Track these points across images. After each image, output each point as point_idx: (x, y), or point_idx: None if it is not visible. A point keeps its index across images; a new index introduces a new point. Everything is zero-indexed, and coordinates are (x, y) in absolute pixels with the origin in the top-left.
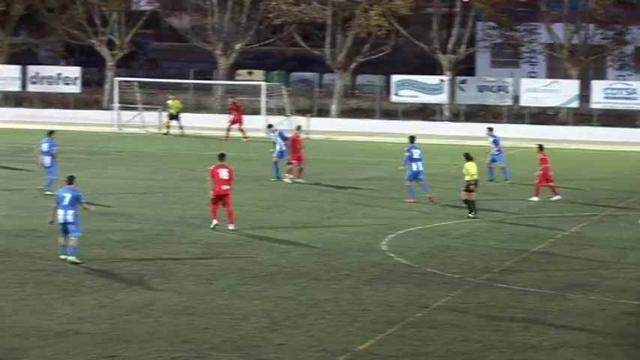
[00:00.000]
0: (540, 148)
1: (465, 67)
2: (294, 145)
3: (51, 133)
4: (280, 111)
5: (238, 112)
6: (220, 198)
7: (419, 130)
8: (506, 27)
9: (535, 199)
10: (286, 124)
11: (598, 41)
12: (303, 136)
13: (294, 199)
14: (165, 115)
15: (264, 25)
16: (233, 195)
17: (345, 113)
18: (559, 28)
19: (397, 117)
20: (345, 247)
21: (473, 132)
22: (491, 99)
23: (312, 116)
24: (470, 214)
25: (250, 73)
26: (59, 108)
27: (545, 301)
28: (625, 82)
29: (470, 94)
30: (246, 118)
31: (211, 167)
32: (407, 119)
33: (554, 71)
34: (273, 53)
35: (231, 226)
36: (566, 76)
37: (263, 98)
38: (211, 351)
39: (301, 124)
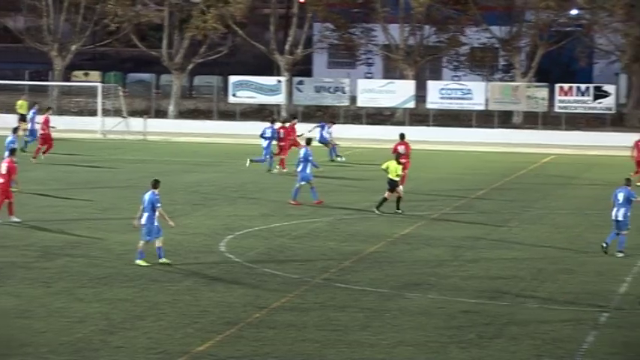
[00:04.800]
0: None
1: (303, 68)
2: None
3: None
4: (117, 112)
5: None
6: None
7: (257, 131)
8: (342, 28)
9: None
10: (123, 125)
11: (433, 42)
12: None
13: (131, 201)
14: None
15: (100, 26)
16: (68, 199)
17: (183, 114)
18: (395, 29)
19: (235, 118)
20: (184, 249)
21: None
22: (328, 99)
23: (149, 117)
24: (377, 211)
25: (86, 75)
26: None
27: (384, 301)
28: (460, 82)
29: (307, 95)
30: (82, 119)
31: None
32: (245, 120)
33: (391, 72)
34: (109, 54)
35: (14, 219)
36: (402, 77)
37: (99, 99)
38: (49, 354)
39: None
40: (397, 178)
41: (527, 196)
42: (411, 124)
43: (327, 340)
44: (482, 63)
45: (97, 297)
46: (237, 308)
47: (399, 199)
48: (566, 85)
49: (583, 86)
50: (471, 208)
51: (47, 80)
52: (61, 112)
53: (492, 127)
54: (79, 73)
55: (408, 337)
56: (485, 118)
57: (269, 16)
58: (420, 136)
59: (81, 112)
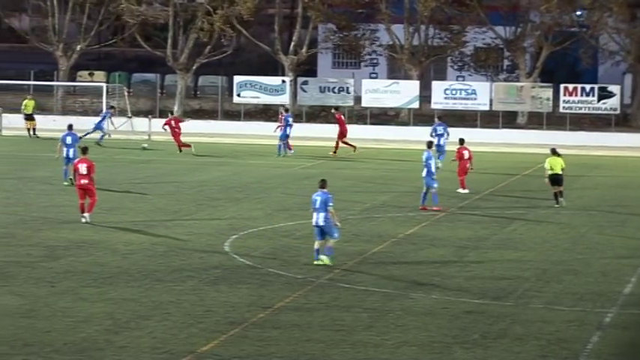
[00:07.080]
0: (336, 109)
1: (307, 68)
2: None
3: (71, 127)
4: (122, 112)
5: None
6: (83, 191)
7: (261, 132)
8: (346, 29)
9: None
10: (128, 125)
11: (438, 42)
12: None
13: (137, 200)
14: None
15: (106, 25)
16: (73, 199)
17: (188, 114)
18: (399, 29)
19: (239, 118)
20: (189, 249)
21: (315, 133)
22: (332, 100)
23: (154, 117)
24: (556, 205)
25: (91, 75)
26: None
27: (388, 301)
28: (464, 82)
29: (312, 95)
30: (88, 119)
31: (75, 161)
32: (249, 120)
33: (395, 72)
34: (114, 54)
35: (85, 215)
36: (407, 77)
37: (104, 99)
38: (54, 354)
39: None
40: (561, 172)
41: (532, 196)
42: (415, 125)
43: (331, 340)
44: (486, 63)
45: (101, 297)
46: (241, 308)
47: (558, 193)
48: (570, 86)
49: (587, 87)
50: (476, 208)
51: (52, 80)
52: (66, 112)
53: (497, 127)
54: (84, 73)
55: (412, 338)
56: (489, 118)
57: (274, 17)
58: (424, 136)
59: (85, 112)
